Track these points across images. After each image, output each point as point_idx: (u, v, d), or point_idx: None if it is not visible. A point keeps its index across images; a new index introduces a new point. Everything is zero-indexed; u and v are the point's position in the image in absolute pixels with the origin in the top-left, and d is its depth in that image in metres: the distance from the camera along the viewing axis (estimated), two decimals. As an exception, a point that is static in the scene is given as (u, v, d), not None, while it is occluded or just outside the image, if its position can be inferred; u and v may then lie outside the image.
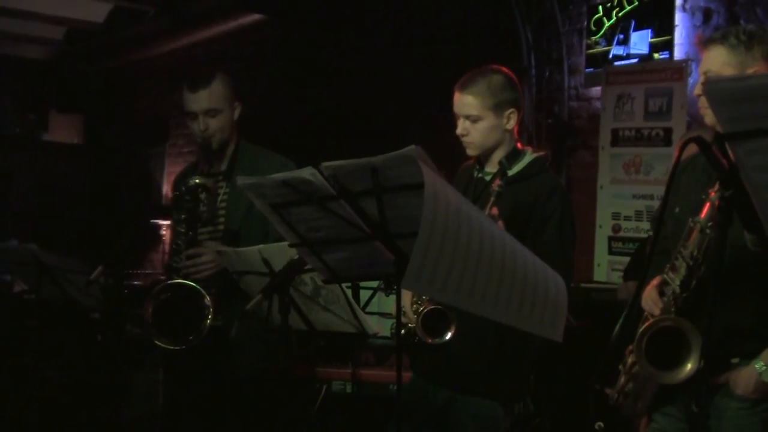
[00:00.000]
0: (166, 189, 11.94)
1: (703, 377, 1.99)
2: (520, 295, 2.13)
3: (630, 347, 3.16)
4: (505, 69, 3.71)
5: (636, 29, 6.77)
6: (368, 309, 4.81)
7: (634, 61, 6.71)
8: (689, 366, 2.92)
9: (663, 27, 6.55)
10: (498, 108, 3.60)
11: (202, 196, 4.02)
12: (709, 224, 2.87)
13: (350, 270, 2.88)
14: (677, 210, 3.22)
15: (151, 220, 10.51)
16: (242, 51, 10.66)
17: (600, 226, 6.66)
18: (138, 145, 12.67)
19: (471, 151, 3.69)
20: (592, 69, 7.01)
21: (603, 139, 6.72)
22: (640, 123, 6.53)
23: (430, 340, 3.46)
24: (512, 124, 3.65)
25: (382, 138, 4.17)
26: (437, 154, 3.19)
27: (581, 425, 3.68)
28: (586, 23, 7.08)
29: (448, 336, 3.44)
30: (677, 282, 3.00)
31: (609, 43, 6.91)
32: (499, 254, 2.15)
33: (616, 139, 6.65)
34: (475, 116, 3.60)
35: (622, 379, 3.23)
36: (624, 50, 6.83)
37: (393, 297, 2.83)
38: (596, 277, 6.56)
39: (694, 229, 2.93)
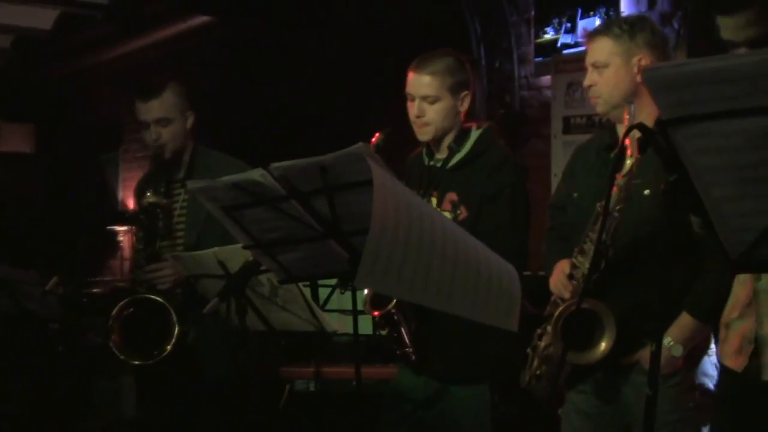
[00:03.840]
0: (122, 195, 11.87)
1: (656, 360, 2.01)
2: (473, 287, 2.15)
3: (539, 331, 3.23)
4: (455, 53, 3.69)
5: (583, 17, 6.81)
6: (328, 306, 4.81)
7: (582, 48, 6.74)
8: (603, 346, 3.01)
9: (609, 14, 6.60)
10: (455, 89, 3.58)
11: (158, 211, 4.02)
12: (618, 207, 2.94)
13: (306, 269, 2.88)
14: (575, 195, 3.30)
15: (108, 227, 10.45)
16: (193, 53, 10.61)
17: (555, 214, 6.71)
18: (91, 152, 12.57)
19: (425, 136, 3.64)
20: (541, 58, 7.05)
21: (555, 127, 6.77)
22: (590, 110, 6.54)
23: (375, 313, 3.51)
24: (466, 106, 3.63)
25: (337, 135, 4.18)
26: (391, 149, 3.21)
27: (544, 411, 3.72)
28: (533, 13, 7.12)
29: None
30: (586, 265, 3.08)
31: (557, 31, 6.95)
32: (450, 248, 2.16)
33: (568, 127, 6.70)
34: (434, 96, 3.56)
35: (535, 362, 3.29)
36: (572, 38, 6.88)
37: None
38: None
39: (601, 213, 2.99)
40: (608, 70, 3.15)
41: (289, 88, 9.34)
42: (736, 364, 2.43)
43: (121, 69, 11.53)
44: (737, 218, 1.79)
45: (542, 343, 3.28)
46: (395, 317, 3.53)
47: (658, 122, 1.76)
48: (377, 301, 3.53)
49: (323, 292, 4.93)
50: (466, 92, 3.62)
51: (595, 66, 3.21)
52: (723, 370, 2.51)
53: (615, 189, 2.93)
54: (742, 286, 2.45)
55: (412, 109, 3.62)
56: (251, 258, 3.13)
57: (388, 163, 2.31)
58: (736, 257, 1.83)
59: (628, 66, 3.13)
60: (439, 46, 3.75)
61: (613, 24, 3.21)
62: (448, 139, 3.65)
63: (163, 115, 4.04)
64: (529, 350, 3.37)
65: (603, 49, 3.18)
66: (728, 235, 1.83)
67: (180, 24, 10.18)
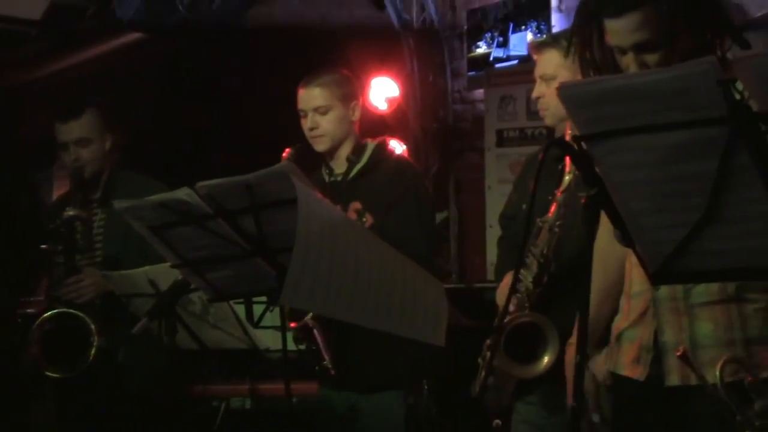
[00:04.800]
0: (57, 213, 11.71)
1: (580, 369, 2.03)
2: (399, 303, 2.16)
3: (488, 341, 3.26)
4: (339, 68, 3.89)
5: (514, 31, 6.88)
6: (263, 323, 4.77)
7: (514, 62, 6.82)
8: (546, 359, 3.03)
9: (540, 28, 6.67)
10: (345, 99, 3.71)
11: (77, 225, 4.01)
12: (557, 223, 2.98)
13: (235, 287, 2.89)
14: (524, 207, 3.33)
15: (42, 246, 10.30)
16: (126, 70, 10.51)
17: (490, 227, 6.72)
18: (24, 170, 12.39)
19: (321, 146, 3.73)
20: (474, 72, 7.10)
21: (488, 140, 6.81)
22: (523, 123, 6.64)
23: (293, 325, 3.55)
24: (357, 115, 3.76)
25: (274, 150, 4.18)
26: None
27: (480, 423, 3.73)
28: (466, 27, 7.16)
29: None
30: (530, 279, 3.11)
31: (489, 45, 7.01)
32: (376, 264, 2.17)
33: (501, 140, 6.75)
34: (324, 107, 3.68)
35: (483, 373, 3.31)
36: (504, 52, 6.94)
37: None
38: (489, 277, 6.63)
39: (543, 228, 3.03)
40: (556, 82, 3.16)
41: (222, 105, 9.29)
42: (636, 372, 2.45)
43: (54, 86, 11.39)
44: (654, 231, 1.82)
45: (490, 355, 3.30)
46: (313, 330, 3.55)
47: (575, 138, 1.78)
48: (295, 313, 3.55)
49: (258, 309, 4.90)
50: (355, 102, 3.76)
51: (543, 78, 3.23)
52: (619, 379, 2.53)
53: (555, 205, 2.97)
54: (637, 297, 2.48)
55: (306, 124, 3.73)
56: (181, 277, 3.12)
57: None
58: (655, 270, 1.85)
59: (576, 79, 3.14)
60: (373, 60, 3.93)
61: (562, 36, 3.22)
62: (344, 151, 3.75)
63: (82, 135, 4.11)
64: (479, 360, 3.39)
65: (551, 62, 3.20)
66: (647, 248, 1.86)
67: (113, 41, 10.08)
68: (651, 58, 2.23)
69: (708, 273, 1.88)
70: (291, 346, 4.33)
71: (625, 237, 1.86)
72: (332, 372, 3.56)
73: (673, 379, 2.37)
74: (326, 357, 3.51)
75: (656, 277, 1.86)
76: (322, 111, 3.68)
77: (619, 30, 2.23)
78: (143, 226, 2.72)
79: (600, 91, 1.73)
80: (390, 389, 3.64)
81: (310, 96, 3.71)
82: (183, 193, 2.55)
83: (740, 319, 2.33)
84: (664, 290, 2.36)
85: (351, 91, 3.76)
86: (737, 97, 1.60)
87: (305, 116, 3.72)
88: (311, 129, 3.70)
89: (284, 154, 3.45)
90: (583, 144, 1.79)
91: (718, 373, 2.27)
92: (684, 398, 2.37)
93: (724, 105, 1.61)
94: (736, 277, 2.06)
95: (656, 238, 1.82)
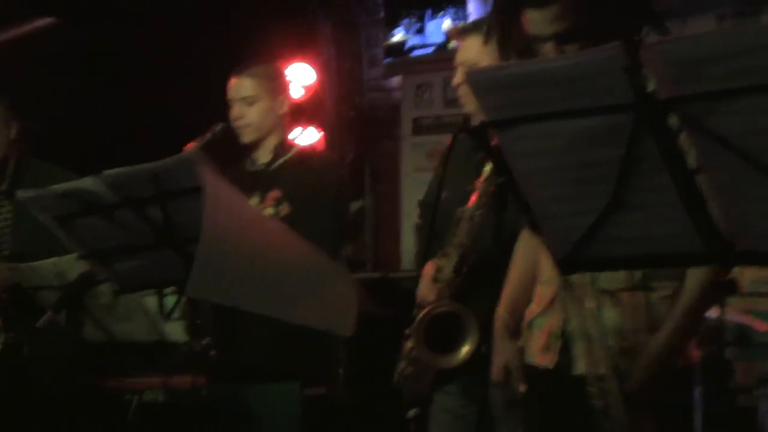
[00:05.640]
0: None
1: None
2: (307, 294, 2.13)
3: (407, 331, 3.25)
4: (272, 61, 4.03)
5: (431, 18, 6.89)
6: (175, 315, 4.71)
7: (431, 50, 6.82)
8: (465, 349, 3.04)
9: (457, 15, 6.69)
10: (273, 91, 3.76)
11: None
12: (478, 212, 2.98)
13: (144, 278, 2.83)
14: (444, 195, 3.32)
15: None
16: (39, 55, 10.29)
17: (406, 215, 6.74)
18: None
19: (247, 137, 3.76)
20: (390, 59, 7.09)
21: (404, 128, 6.82)
22: (439, 111, 6.66)
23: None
24: (285, 109, 3.80)
25: (186, 137, 4.15)
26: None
27: (396, 412, 3.73)
28: (383, 14, 7.15)
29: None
30: (450, 268, 3.10)
31: (406, 33, 7.01)
32: (284, 255, 2.14)
33: (418, 128, 6.76)
34: (252, 97, 3.71)
35: (402, 363, 3.31)
36: (421, 40, 6.95)
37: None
38: (404, 266, 6.64)
39: (463, 218, 3.03)
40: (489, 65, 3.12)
41: (138, 91, 9.15)
42: (545, 360, 2.46)
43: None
44: (562, 219, 1.81)
45: (409, 344, 3.29)
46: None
47: (482, 125, 1.77)
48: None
49: (171, 301, 4.83)
50: (284, 96, 3.81)
51: (464, 65, 3.19)
52: (529, 368, 2.54)
53: (476, 195, 2.96)
54: (546, 285, 2.49)
55: (233, 113, 3.76)
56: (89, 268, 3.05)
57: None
58: (562, 257, 1.85)
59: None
60: (290, 49, 3.97)
61: (483, 22, 3.17)
62: (270, 143, 3.79)
63: None
64: (398, 350, 3.38)
65: (472, 48, 3.17)
66: (554, 236, 1.85)
67: (25, 25, 9.86)
68: (571, 48, 2.21)
69: (615, 260, 1.88)
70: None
71: (533, 225, 1.85)
72: (212, 353, 3.53)
73: (580, 367, 2.38)
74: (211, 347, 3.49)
75: (564, 264, 1.85)
76: (249, 101, 3.71)
77: (540, 20, 2.21)
78: (48, 217, 2.64)
79: (507, 76, 1.71)
80: (284, 380, 3.62)
81: (240, 86, 3.75)
82: (88, 182, 2.48)
83: (646, 307, 2.35)
84: (571, 277, 2.37)
85: (280, 85, 3.82)
86: (650, 84, 1.60)
87: (233, 105, 3.75)
88: (237, 119, 3.73)
89: (188, 146, 3.42)
90: (492, 131, 1.78)
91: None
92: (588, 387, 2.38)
93: (630, 92, 1.60)
94: (643, 265, 2.08)
95: (563, 226, 1.81)
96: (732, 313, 4.95)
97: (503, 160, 1.81)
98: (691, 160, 1.65)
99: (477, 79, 1.74)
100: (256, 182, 3.69)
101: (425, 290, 3.22)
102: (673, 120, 1.61)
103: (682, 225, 1.70)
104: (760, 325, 4.94)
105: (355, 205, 6.81)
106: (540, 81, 1.67)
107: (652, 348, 2.29)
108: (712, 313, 4.39)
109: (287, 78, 3.96)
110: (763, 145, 1.54)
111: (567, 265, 1.86)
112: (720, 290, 2.39)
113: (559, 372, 2.42)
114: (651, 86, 1.60)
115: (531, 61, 1.61)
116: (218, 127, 3.62)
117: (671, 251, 1.79)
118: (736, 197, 1.66)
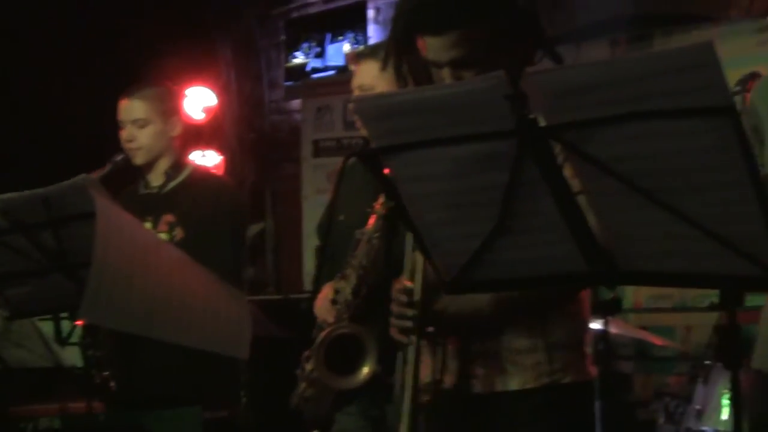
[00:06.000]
0: None
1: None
2: (199, 318, 2.14)
3: (307, 353, 3.26)
4: (165, 82, 3.92)
5: (332, 42, 6.93)
6: (71, 340, 4.64)
7: (331, 72, 6.87)
8: (365, 370, 3.06)
9: (357, 39, 6.75)
10: (165, 114, 3.70)
11: None
12: (376, 234, 3.00)
13: (36, 303, 2.81)
14: (342, 218, 3.34)
15: None
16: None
17: (308, 237, 6.75)
18: None
19: (138, 159, 3.71)
20: (291, 82, 7.11)
21: (305, 150, 6.83)
22: (340, 133, 6.69)
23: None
24: (177, 131, 3.75)
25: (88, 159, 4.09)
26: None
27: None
28: (283, 37, 7.17)
29: None
30: (348, 290, 3.12)
31: (306, 56, 7.04)
32: (177, 279, 2.14)
33: (318, 150, 6.78)
34: (143, 120, 3.66)
35: (302, 385, 3.31)
36: (321, 63, 6.99)
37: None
38: (306, 287, 6.64)
39: (362, 240, 3.05)
40: (374, 93, 3.13)
41: (32, 112, 8.99)
42: (446, 379, 2.50)
43: None
44: (449, 242, 1.86)
45: (309, 366, 3.29)
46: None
47: (371, 151, 1.80)
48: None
49: (67, 326, 4.75)
50: (176, 117, 3.76)
51: (361, 89, 3.18)
52: (430, 386, 2.57)
53: (374, 217, 2.98)
54: None
55: (123, 135, 3.70)
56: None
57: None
58: (449, 279, 1.89)
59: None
60: (190, 71, 3.92)
61: (380, 47, 3.16)
62: (162, 165, 3.74)
63: None
64: (298, 372, 3.37)
65: (368, 73, 3.16)
66: (442, 258, 1.89)
67: None
68: (467, 74, 2.24)
69: (501, 282, 1.93)
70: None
71: (422, 248, 1.89)
72: (112, 385, 3.48)
73: (477, 386, 2.42)
74: (104, 370, 3.44)
75: (451, 286, 1.90)
76: (141, 124, 3.65)
77: (437, 46, 2.23)
78: (-64, 241, 2.60)
79: (393, 104, 1.75)
80: (185, 405, 3.58)
81: (131, 108, 3.68)
82: (-24, 207, 2.45)
83: (541, 325, 2.40)
84: None
85: (172, 107, 3.76)
86: (532, 112, 1.65)
87: (124, 127, 3.68)
88: (128, 141, 3.67)
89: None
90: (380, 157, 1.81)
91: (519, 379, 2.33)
92: (489, 406, 2.42)
93: (513, 119, 1.65)
94: (528, 286, 2.11)
95: (450, 249, 1.86)
96: (629, 328, 5.06)
97: (392, 184, 1.85)
98: (576, 184, 1.71)
99: (363, 107, 1.78)
100: (149, 206, 3.64)
101: (324, 312, 3.23)
102: (556, 146, 1.67)
103: (567, 247, 1.76)
104: (656, 340, 5.05)
105: (256, 228, 6.80)
106: (425, 108, 1.71)
107: None
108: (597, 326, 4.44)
109: (180, 99, 3.90)
110: (637, 169, 1.61)
111: (454, 286, 1.90)
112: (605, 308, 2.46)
113: (458, 392, 2.45)
114: (533, 114, 1.65)
115: (416, 89, 1.66)
116: (119, 157, 3.60)
117: (557, 272, 1.85)
118: (617, 219, 1.72)
